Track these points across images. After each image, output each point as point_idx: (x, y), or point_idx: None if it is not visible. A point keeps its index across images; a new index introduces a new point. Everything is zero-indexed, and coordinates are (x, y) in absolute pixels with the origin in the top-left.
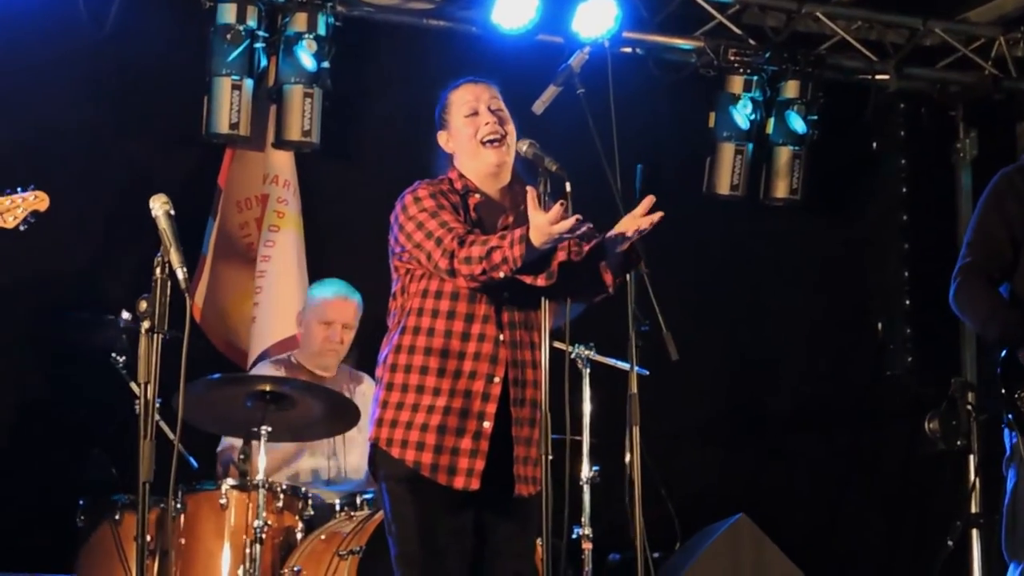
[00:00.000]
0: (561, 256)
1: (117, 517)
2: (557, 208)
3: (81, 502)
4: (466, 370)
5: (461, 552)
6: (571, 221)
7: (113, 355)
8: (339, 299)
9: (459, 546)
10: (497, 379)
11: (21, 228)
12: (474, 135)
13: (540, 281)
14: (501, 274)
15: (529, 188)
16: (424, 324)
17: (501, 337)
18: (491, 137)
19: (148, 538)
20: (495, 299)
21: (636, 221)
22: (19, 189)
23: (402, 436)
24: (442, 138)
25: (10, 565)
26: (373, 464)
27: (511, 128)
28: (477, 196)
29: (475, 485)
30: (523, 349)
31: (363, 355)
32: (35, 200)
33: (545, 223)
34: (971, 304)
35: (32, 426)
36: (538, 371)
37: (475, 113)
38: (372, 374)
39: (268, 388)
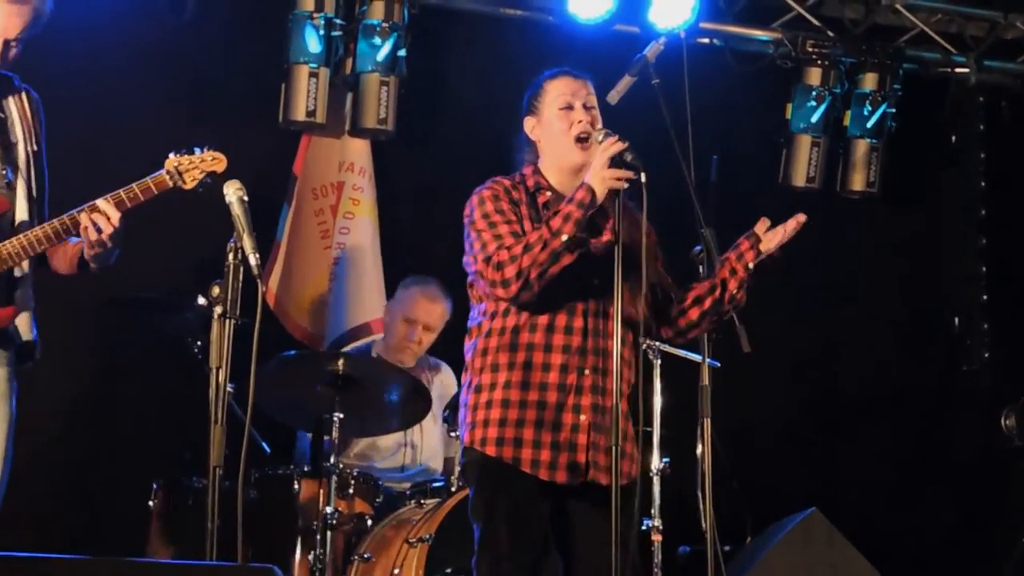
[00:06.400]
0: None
1: (190, 501)
2: (609, 142)
3: (155, 485)
4: (556, 363)
5: (542, 541)
6: (617, 144)
7: (188, 339)
8: (428, 300)
9: (541, 535)
10: (587, 371)
11: (199, 190)
12: (567, 130)
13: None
14: (564, 237)
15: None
16: (509, 323)
17: (588, 327)
18: (583, 135)
19: (219, 522)
20: (579, 288)
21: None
22: (196, 149)
23: (497, 434)
24: (528, 124)
25: (84, 547)
26: (465, 468)
27: (600, 129)
28: (548, 194)
29: (578, 479)
30: (605, 338)
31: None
32: (213, 161)
33: (601, 158)
34: None
35: (107, 409)
36: (616, 360)
37: (570, 107)
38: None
39: (341, 366)
